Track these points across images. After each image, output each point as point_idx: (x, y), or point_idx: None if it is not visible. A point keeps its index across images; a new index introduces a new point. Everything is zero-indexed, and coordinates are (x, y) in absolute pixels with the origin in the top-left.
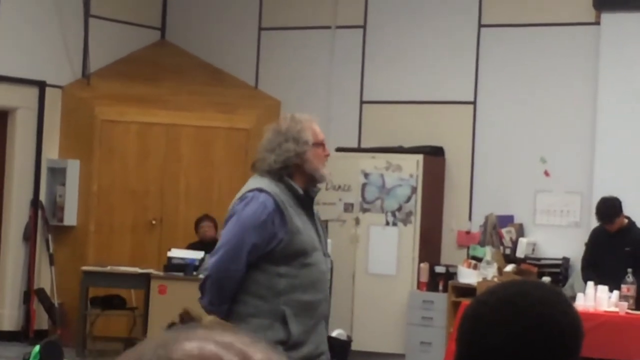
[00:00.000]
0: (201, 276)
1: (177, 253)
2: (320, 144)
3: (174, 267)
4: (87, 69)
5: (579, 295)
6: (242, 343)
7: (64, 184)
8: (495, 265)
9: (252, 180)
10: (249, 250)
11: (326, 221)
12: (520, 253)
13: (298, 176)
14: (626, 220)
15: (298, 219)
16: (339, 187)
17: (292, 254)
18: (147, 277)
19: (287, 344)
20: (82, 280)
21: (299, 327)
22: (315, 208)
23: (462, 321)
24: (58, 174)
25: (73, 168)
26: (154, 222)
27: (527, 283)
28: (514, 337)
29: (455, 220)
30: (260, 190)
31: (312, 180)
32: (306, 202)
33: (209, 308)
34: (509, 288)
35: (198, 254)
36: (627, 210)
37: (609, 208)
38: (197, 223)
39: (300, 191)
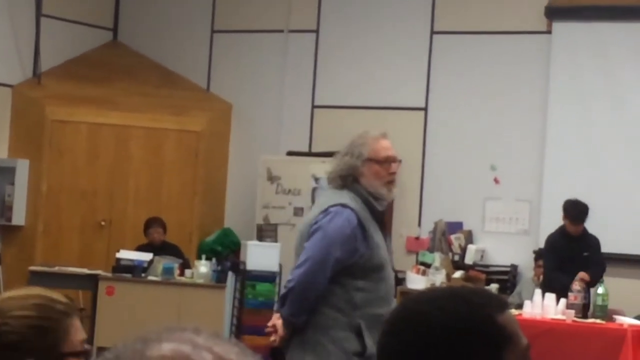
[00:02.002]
0: (284, 287)
1: (125, 254)
2: (379, 161)
3: (122, 269)
4: (38, 68)
5: (526, 303)
6: (222, 348)
7: (12, 184)
8: (443, 272)
9: (331, 193)
10: (333, 264)
11: (275, 225)
12: (468, 260)
13: (360, 190)
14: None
15: (376, 234)
16: (289, 191)
17: (371, 269)
18: (95, 278)
19: (364, 356)
20: (29, 280)
21: (371, 340)
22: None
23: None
24: (7, 173)
25: (22, 168)
26: (103, 223)
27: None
28: (401, 341)
29: (405, 226)
30: (344, 205)
31: (370, 195)
32: (382, 218)
33: (290, 319)
34: (432, 290)
35: (147, 256)
36: None
37: (582, 208)
38: (147, 226)
39: (379, 207)
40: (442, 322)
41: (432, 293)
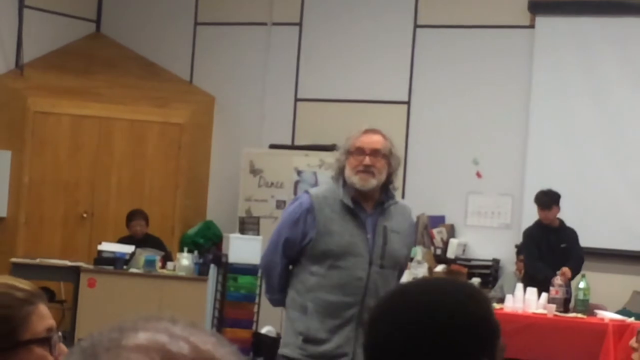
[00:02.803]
0: None
1: (107, 247)
2: (353, 152)
3: (104, 261)
4: (20, 59)
5: (508, 297)
6: (199, 338)
7: None
8: (425, 265)
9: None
10: (283, 244)
11: (258, 218)
12: (450, 254)
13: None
14: (558, 221)
15: (337, 223)
16: (272, 184)
17: (320, 254)
18: (76, 270)
19: (304, 336)
20: (11, 272)
21: (318, 324)
22: (388, 221)
23: (369, 315)
24: None
25: (4, 159)
26: (85, 215)
27: (438, 280)
28: (398, 327)
29: None
30: (306, 191)
31: (357, 189)
32: (354, 210)
33: (266, 296)
34: (418, 282)
35: (128, 248)
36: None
37: (547, 194)
38: (129, 219)
39: (343, 197)
40: (453, 315)
41: (435, 284)
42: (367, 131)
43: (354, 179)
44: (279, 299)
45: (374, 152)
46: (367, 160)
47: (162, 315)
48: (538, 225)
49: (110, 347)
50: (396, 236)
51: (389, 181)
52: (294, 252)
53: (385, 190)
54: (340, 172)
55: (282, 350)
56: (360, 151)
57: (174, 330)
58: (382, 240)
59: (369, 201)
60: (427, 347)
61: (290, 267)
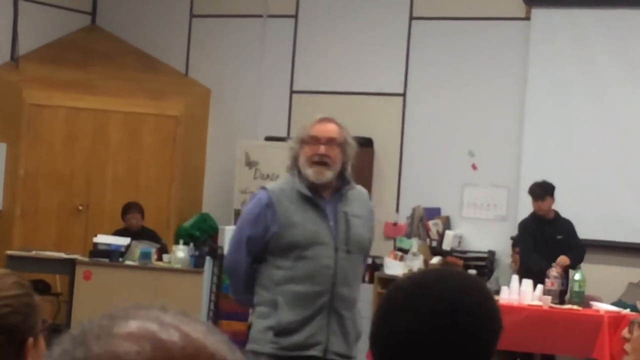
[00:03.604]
0: None
1: (103, 239)
2: (307, 142)
3: (99, 253)
4: (16, 52)
5: (504, 289)
6: (189, 327)
7: None
8: (421, 257)
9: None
10: (246, 242)
11: None
12: (446, 245)
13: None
14: (553, 213)
15: (297, 214)
16: (267, 176)
17: (285, 247)
18: (72, 263)
19: (275, 330)
20: (6, 264)
21: (289, 316)
22: (348, 206)
23: (378, 303)
24: None
25: None
26: (80, 207)
27: (446, 271)
28: (421, 321)
29: (383, 211)
30: (263, 187)
31: (305, 177)
32: (312, 198)
33: (233, 298)
34: (427, 274)
35: (124, 241)
36: (554, 203)
37: (541, 185)
38: (124, 212)
39: (299, 187)
40: (472, 314)
41: (447, 275)
42: (322, 120)
43: (308, 172)
44: (246, 299)
45: (329, 141)
46: (322, 149)
47: (152, 303)
48: (533, 217)
49: (101, 334)
50: (358, 220)
51: (344, 168)
52: (258, 249)
53: (341, 177)
54: (295, 161)
55: (251, 346)
56: (315, 140)
57: (164, 319)
58: (344, 226)
59: (327, 189)
60: (444, 342)
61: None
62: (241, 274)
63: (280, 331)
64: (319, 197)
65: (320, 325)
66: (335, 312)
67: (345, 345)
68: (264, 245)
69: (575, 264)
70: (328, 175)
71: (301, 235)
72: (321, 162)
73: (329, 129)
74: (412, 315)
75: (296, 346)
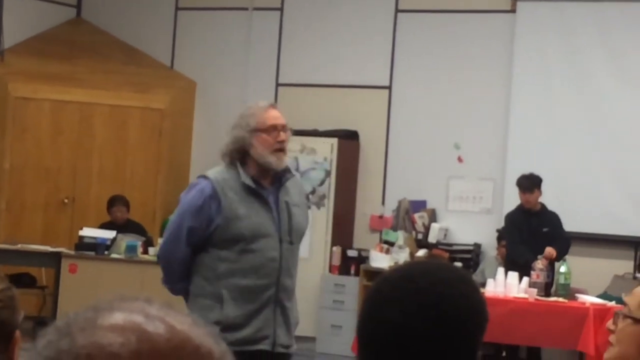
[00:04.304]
0: None
1: (88, 232)
2: (267, 130)
3: (85, 246)
4: (1, 45)
5: (489, 281)
6: (174, 319)
7: None
8: (407, 250)
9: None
10: (187, 233)
11: None
12: (432, 238)
13: (250, 162)
14: (539, 205)
15: (241, 206)
16: None
17: (230, 239)
18: (57, 256)
19: (222, 325)
20: None
21: (236, 310)
22: (287, 196)
23: (365, 296)
24: None
25: None
26: (66, 200)
27: (433, 263)
28: (408, 314)
29: (369, 204)
30: (204, 176)
31: (263, 167)
32: (256, 190)
33: (166, 286)
34: (413, 266)
35: (110, 234)
36: (540, 196)
37: (529, 178)
38: (110, 205)
39: (245, 178)
40: (458, 307)
41: (434, 267)
42: (271, 107)
43: (271, 159)
44: (181, 287)
45: (284, 128)
46: (282, 136)
47: (137, 296)
48: (519, 209)
49: (86, 326)
50: (297, 209)
51: None
52: (198, 240)
53: None
54: (239, 151)
55: None
56: (273, 128)
57: (149, 311)
58: (287, 217)
59: (267, 177)
60: (430, 334)
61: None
62: (178, 263)
63: (227, 326)
64: (261, 187)
65: (266, 319)
66: (279, 304)
67: (288, 336)
68: (206, 237)
69: (560, 256)
70: (286, 160)
71: (246, 228)
72: (281, 149)
73: (280, 116)
74: (398, 307)
75: (244, 341)
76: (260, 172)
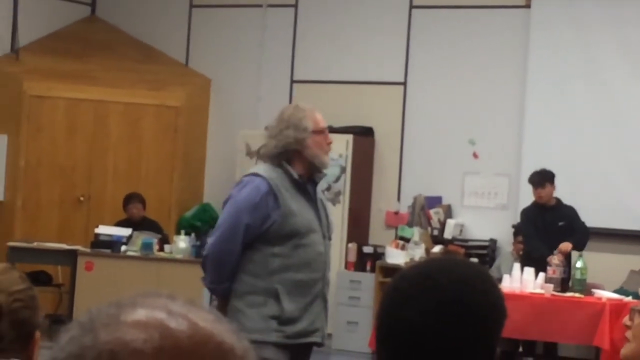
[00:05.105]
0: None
1: (104, 230)
2: (320, 132)
3: (101, 244)
4: (16, 43)
5: (505, 277)
6: (197, 315)
7: None
8: (422, 246)
9: (254, 167)
10: (244, 230)
11: None
12: (447, 234)
13: (298, 162)
14: (554, 200)
15: (293, 202)
16: None
17: (285, 235)
18: (73, 254)
19: (281, 319)
20: (8, 255)
21: (291, 305)
22: (320, 193)
23: (383, 294)
24: None
25: (0, 143)
26: (81, 198)
27: (451, 260)
28: (427, 311)
29: (384, 200)
30: (256, 174)
31: (312, 166)
32: (305, 187)
33: (210, 286)
34: (431, 263)
35: (126, 231)
36: (554, 191)
37: (540, 173)
38: (126, 202)
39: (296, 175)
40: (479, 305)
41: (452, 264)
42: (315, 109)
43: (325, 159)
44: (227, 287)
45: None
46: (330, 138)
47: (160, 292)
48: (535, 204)
49: (109, 322)
50: (328, 206)
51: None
52: (253, 237)
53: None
54: (289, 151)
55: (253, 336)
56: (324, 130)
57: (172, 307)
58: (324, 213)
59: (308, 177)
60: (449, 331)
61: None
62: (231, 263)
63: (285, 320)
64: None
65: (317, 312)
66: (324, 297)
67: (326, 328)
68: (259, 234)
69: (580, 247)
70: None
71: (301, 224)
72: (329, 150)
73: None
74: (417, 305)
75: (300, 334)
76: (307, 171)
